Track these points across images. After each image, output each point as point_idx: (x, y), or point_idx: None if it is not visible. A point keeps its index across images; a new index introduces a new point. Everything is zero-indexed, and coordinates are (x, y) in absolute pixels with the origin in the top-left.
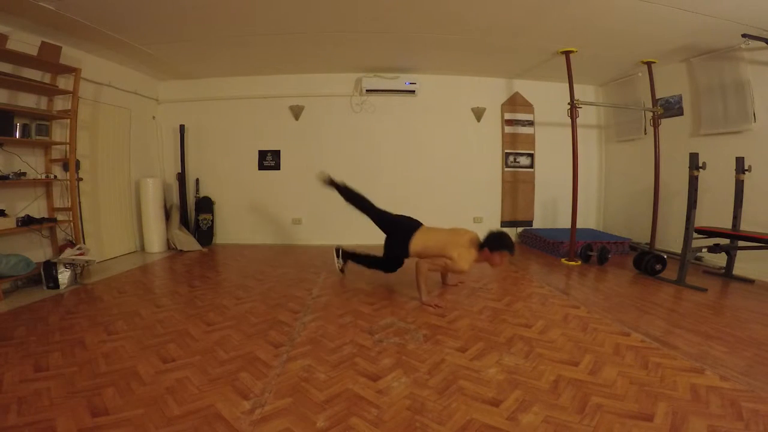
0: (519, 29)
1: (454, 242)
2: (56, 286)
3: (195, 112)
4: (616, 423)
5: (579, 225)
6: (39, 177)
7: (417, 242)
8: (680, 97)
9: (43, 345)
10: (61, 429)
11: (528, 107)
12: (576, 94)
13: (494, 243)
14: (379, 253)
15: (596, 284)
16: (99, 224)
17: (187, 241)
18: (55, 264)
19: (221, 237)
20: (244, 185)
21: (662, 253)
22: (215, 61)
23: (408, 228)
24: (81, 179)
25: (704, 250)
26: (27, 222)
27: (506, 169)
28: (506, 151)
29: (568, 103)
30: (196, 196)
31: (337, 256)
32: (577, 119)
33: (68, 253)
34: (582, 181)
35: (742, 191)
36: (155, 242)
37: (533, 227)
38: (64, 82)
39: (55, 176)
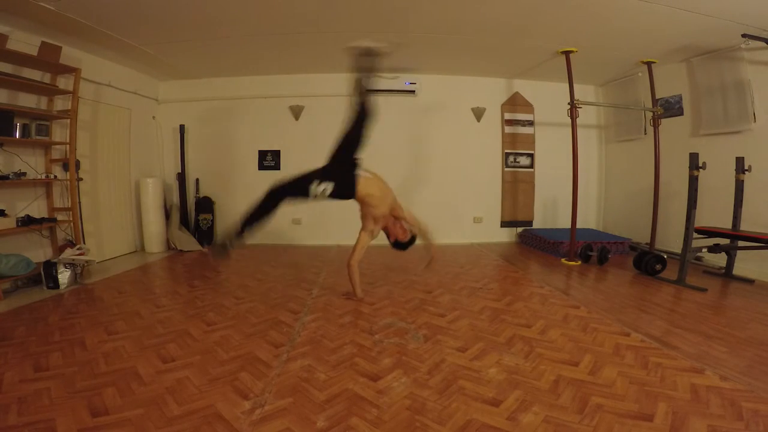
0: (519, 29)
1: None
2: (56, 286)
3: (195, 112)
4: (616, 423)
5: (579, 225)
6: (39, 177)
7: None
8: (680, 97)
9: (43, 345)
10: (61, 429)
11: (528, 107)
12: (576, 94)
13: None
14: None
15: (596, 284)
16: (99, 224)
17: (187, 241)
18: (55, 264)
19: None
20: (244, 185)
21: (662, 253)
22: (215, 61)
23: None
24: (81, 179)
25: (704, 250)
26: (27, 222)
27: (506, 169)
28: (506, 151)
29: (568, 103)
30: (196, 196)
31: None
32: (577, 119)
33: (68, 253)
34: (582, 181)
35: (742, 191)
36: (155, 242)
37: (533, 227)
38: (64, 82)
39: (55, 176)
